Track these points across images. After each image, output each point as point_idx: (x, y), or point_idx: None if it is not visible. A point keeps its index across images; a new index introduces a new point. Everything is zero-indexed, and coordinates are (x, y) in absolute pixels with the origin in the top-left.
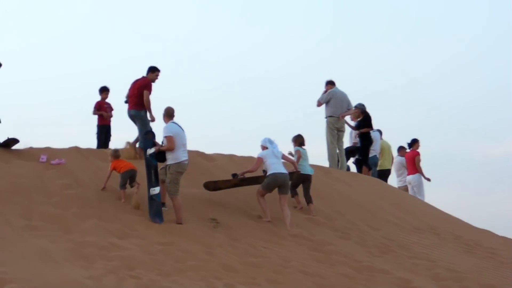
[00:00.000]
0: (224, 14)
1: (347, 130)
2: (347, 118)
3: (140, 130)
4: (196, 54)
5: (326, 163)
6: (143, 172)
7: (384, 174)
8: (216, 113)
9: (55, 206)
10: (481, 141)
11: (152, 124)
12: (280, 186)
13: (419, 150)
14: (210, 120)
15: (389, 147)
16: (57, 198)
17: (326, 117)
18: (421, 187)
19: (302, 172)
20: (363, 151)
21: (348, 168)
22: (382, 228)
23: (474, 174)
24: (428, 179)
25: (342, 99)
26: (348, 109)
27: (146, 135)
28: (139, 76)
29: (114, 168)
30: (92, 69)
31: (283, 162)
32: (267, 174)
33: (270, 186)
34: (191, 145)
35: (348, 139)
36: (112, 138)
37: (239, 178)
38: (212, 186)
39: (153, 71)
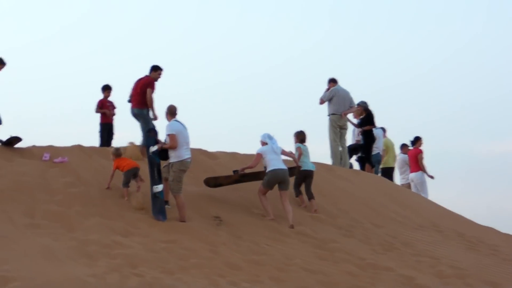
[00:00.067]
0: (228, 9)
1: (350, 127)
2: (350, 116)
3: (143, 128)
4: (198, 51)
5: (329, 161)
6: (146, 170)
7: (388, 172)
8: (219, 110)
9: (58, 204)
10: (483, 138)
11: (154, 123)
12: (280, 182)
13: (421, 147)
14: (213, 117)
15: (393, 145)
16: (60, 196)
17: (328, 115)
18: (424, 185)
19: (304, 168)
20: (366, 148)
21: (351, 166)
22: (385, 226)
23: (476, 171)
24: (432, 177)
25: (345, 97)
26: (351, 107)
27: (149, 133)
28: (142, 75)
29: (117, 167)
30: (94, 67)
31: (283, 159)
32: (267, 170)
33: (270, 183)
34: (194, 143)
35: (351, 136)
36: (114, 136)
37: (240, 174)
38: (213, 182)
39: (156, 69)
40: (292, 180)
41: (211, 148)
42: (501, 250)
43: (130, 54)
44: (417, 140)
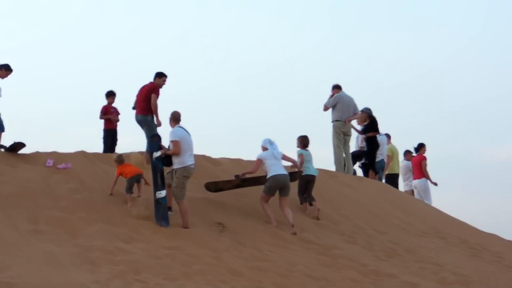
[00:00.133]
0: (228, 9)
1: (354, 134)
2: (354, 122)
3: (147, 135)
4: (198, 51)
5: (332, 167)
6: (148, 177)
7: (393, 178)
8: (218, 110)
9: (62, 210)
10: (487, 143)
11: (158, 129)
12: (281, 188)
13: (425, 154)
14: (213, 118)
15: (397, 151)
16: (64, 202)
17: (332, 121)
18: (427, 192)
19: (306, 173)
20: (370, 155)
21: (354, 172)
22: (388, 232)
23: (480, 177)
24: (435, 184)
25: (349, 103)
26: (355, 113)
27: (152, 138)
28: (146, 82)
29: (120, 174)
30: (94, 67)
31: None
32: (267, 176)
33: (271, 189)
34: (198, 149)
35: (355, 143)
36: (118, 142)
37: (240, 179)
38: (213, 187)
39: (161, 76)
40: (294, 186)
41: (215, 154)
42: (505, 257)
43: (130, 54)
44: (420, 147)
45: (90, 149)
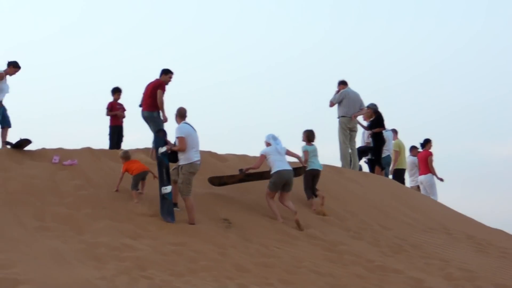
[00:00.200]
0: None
1: (360, 130)
2: (360, 118)
3: (154, 131)
4: (198, 51)
5: (338, 163)
6: (155, 172)
7: (400, 174)
8: (219, 110)
9: (68, 207)
10: (490, 140)
11: (165, 125)
12: (284, 183)
13: (431, 150)
14: (213, 118)
15: (404, 147)
16: (70, 199)
17: (338, 117)
18: (433, 187)
19: (312, 168)
20: (376, 151)
21: (360, 168)
22: (394, 228)
23: (485, 173)
24: (441, 179)
25: (355, 99)
26: (361, 109)
27: (158, 133)
28: (152, 79)
29: (126, 170)
30: (97, 66)
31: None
32: (271, 172)
33: (276, 185)
34: (204, 146)
35: (361, 139)
36: (124, 138)
37: (244, 174)
38: (217, 181)
39: (167, 73)
40: (299, 182)
41: (221, 150)
42: (511, 252)
43: (130, 54)
44: (427, 143)
45: (96, 146)
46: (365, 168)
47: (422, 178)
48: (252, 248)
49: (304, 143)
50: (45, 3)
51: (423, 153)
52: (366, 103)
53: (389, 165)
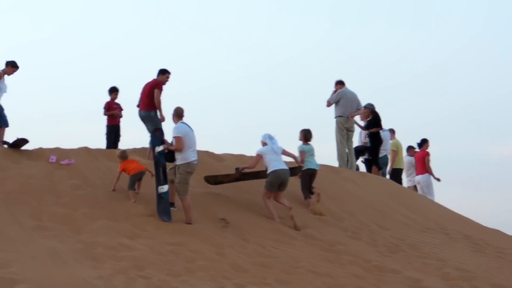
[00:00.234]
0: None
1: (357, 130)
2: (357, 118)
3: (151, 130)
4: (198, 51)
5: (335, 163)
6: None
7: (398, 173)
8: (218, 110)
9: (65, 207)
10: (490, 140)
11: (162, 124)
12: (281, 183)
13: (428, 150)
14: (213, 118)
15: (402, 146)
16: (67, 198)
17: (335, 117)
18: (430, 187)
19: (308, 167)
20: (373, 151)
21: (357, 168)
22: (391, 228)
23: (482, 173)
24: (438, 179)
25: (352, 99)
26: (358, 109)
27: (154, 132)
28: (149, 79)
29: (123, 169)
30: (95, 67)
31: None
32: (268, 172)
33: (273, 185)
34: (202, 146)
35: (358, 139)
36: (121, 138)
37: (240, 173)
38: (213, 180)
39: (164, 73)
40: (296, 182)
41: (218, 150)
42: (508, 252)
43: (130, 54)
44: (424, 143)
45: (93, 146)
46: (362, 168)
47: (419, 178)
48: (249, 248)
49: (301, 143)
50: (45, 3)
51: (420, 153)
52: (364, 103)
53: (386, 165)
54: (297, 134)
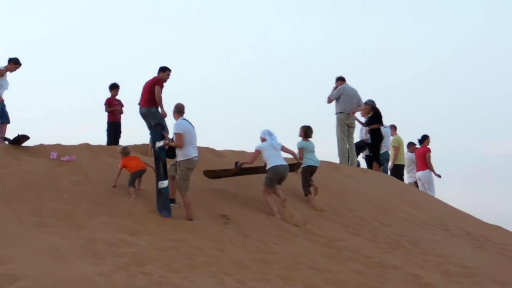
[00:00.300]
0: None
1: (358, 126)
2: (358, 115)
3: (153, 125)
4: (198, 51)
5: (336, 159)
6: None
7: (399, 169)
8: (218, 110)
9: (66, 203)
10: (490, 138)
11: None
12: (280, 178)
13: (429, 146)
14: (213, 117)
15: (403, 142)
16: (68, 194)
17: (336, 113)
18: (431, 183)
19: (309, 164)
20: (374, 147)
21: (358, 164)
22: (392, 224)
23: (483, 170)
24: (439, 176)
25: (352, 95)
26: (358, 105)
27: (155, 127)
28: (150, 77)
29: (124, 166)
30: (95, 66)
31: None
32: (267, 167)
33: (272, 181)
34: (203, 144)
35: (358, 135)
36: (122, 134)
37: (239, 168)
38: (211, 174)
39: (164, 70)
40: (297, 179)
41: (219, 146)
42: (509, 248)
43: (131, 54)
44: (424, 139)
45: (93, 142)
46: (363, 164)
47: (420, 174)
48: (250, 244)
49: (300, 139)
50: (45, 3)
51: (421, 149)
52: (365, 100)
53: (387, 161)
54: (297, 132)
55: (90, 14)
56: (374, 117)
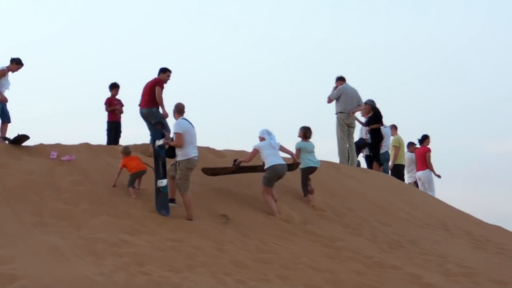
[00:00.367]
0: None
1: (358, 126)
2: (358, 114)
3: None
4: (198, 51)
5: (336, 159)
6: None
7: (399, 169)
8: (218, 110)
9: (66, 203)
10: (490, 137)
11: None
12: (278, 177)
13: (429, 146)
14: (213, 117)
15: (403, 142)
16: (68, 194)
17: (336, 113)
18: (431, 183)
19: (309, 165)
20: (374, 147)
21: (358, 164)
22: (392, 224)
23: (483, 170)
24: (439, 176)
25: (353, 95)
26: (359, 105)
27: (156, 126)
28: (150, 78)
29: (124, 165)
30: (95, 66)
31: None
32: (265, 167)
33: (271, 180)
34: (203, 144)
35: (359, 135)
36: (122, 134)
37: (237, 166)
38: (210, 172)
39: (165, 71)
40: (297, 179)
41: (219, 146)
42: (509, 248)
43: (131, 54)
44: (424, 139)
45: (94, 142)
46: (363, 164)
47: (420, 174)
48: (250, 244)
49: (299, 139)
50: (45, 3)
51: (421, 149)
52: (364, 99)
53: (387, 161)
54: (297, 133)
55: (90, 14)
56: (374, 117)
